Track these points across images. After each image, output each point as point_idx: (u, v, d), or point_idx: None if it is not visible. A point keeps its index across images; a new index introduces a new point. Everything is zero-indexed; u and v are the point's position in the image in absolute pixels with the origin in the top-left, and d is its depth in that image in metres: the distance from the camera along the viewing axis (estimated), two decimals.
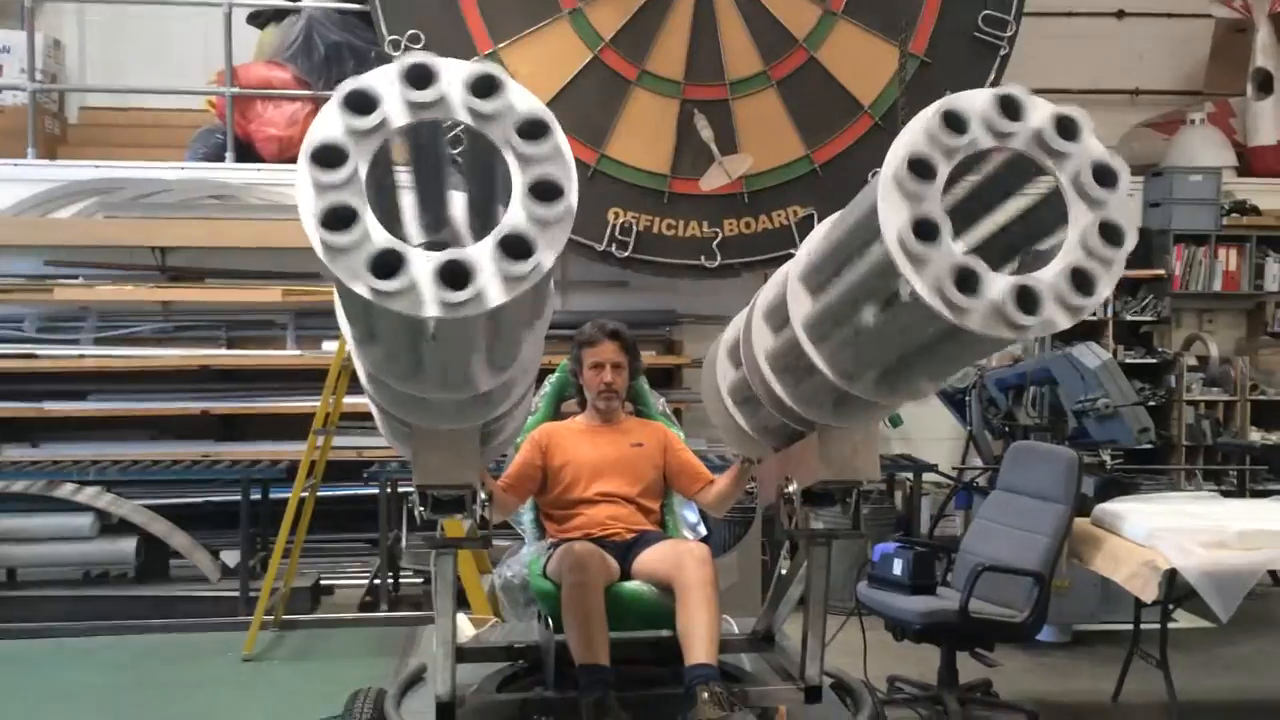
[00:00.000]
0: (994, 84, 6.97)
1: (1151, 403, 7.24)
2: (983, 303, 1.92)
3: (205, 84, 7.24)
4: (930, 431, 7.33)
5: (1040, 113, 2.01)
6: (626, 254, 6.80)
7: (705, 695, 2.76)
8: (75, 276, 6.71)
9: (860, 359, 2.33)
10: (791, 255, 7.31)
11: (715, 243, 6.90)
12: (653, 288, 7.03)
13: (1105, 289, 2.01)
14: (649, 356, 7.01)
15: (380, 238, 1.85)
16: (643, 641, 3.14)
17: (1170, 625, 4.56)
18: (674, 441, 3.60)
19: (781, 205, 6.96)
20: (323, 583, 6.10)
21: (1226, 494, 6.99)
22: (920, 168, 1.95)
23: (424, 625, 4.75)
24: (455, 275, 1.84)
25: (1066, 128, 2.01)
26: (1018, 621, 4.27)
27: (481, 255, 1.84)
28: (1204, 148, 7.70)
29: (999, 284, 1.96)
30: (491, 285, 1.85)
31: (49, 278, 6.70)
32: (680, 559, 3.06)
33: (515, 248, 1.85)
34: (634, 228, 6.82)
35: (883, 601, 4.40)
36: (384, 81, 1.87)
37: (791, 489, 2.90)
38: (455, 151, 2.27)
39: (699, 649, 2.88)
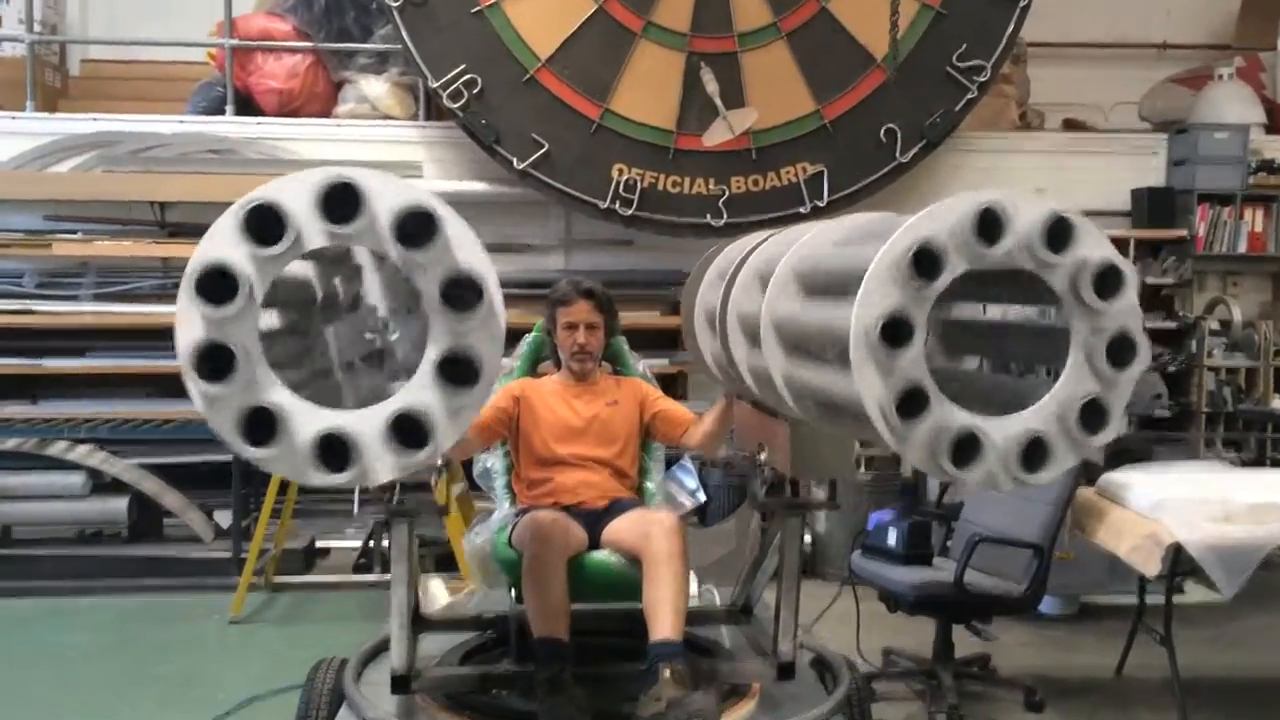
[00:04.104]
0: (1012, 37, 6.75)
1: (1171, 368, 7.04)
2: (984, 468, 1.74)
3: (206, 36, 7.11)
4: None
5: (1026, 220, 1.76)
6: (630, 212, 6.64)
7: (667, 673, 2.65)
8: (74, 231, 6.63)
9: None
10: (800, 214, 7.12)
11: (722, 200, 6.72)
12: (659, 246, 6.86)
13: (1118, 419, 1.80)
14: (653, 317, 6.88)
15: (254, 393, 1.66)
16: (611, 613, 3.03)
17: (1179, 599, 4.41)
18: (650, 393, 3.47)
19: (791, 161, 6.77)
20: (318, 544, 6.04)
21: (1246, 463, 6.82)
22: (896, 332, 1.70)
23: None
24: (335, 453, 1.67)
25: (1057, 235, 1.77)
26: (1015, 595, 4.13)
27: (367, 432, 1.68)
28: (1232, 104, 7.41)
29: (1001, 441, 1.74)
30: (378, 465, 1.69)
31: (48, 233, 6.62)
32: (648, 529, 2.94)
33: (410, 431, 1.68)
34: (638, 184, 6.66)
35: (876, 572, 4.28)
36: (297, 199, 1.65)
37: (763, 457, 2.78)
38: None
39: (664, 624, 2.76)
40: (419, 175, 6.76)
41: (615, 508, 3.21)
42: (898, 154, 6.78)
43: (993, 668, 4.51)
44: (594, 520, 3.18)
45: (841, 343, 1.72)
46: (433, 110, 6.84)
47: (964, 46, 6.70)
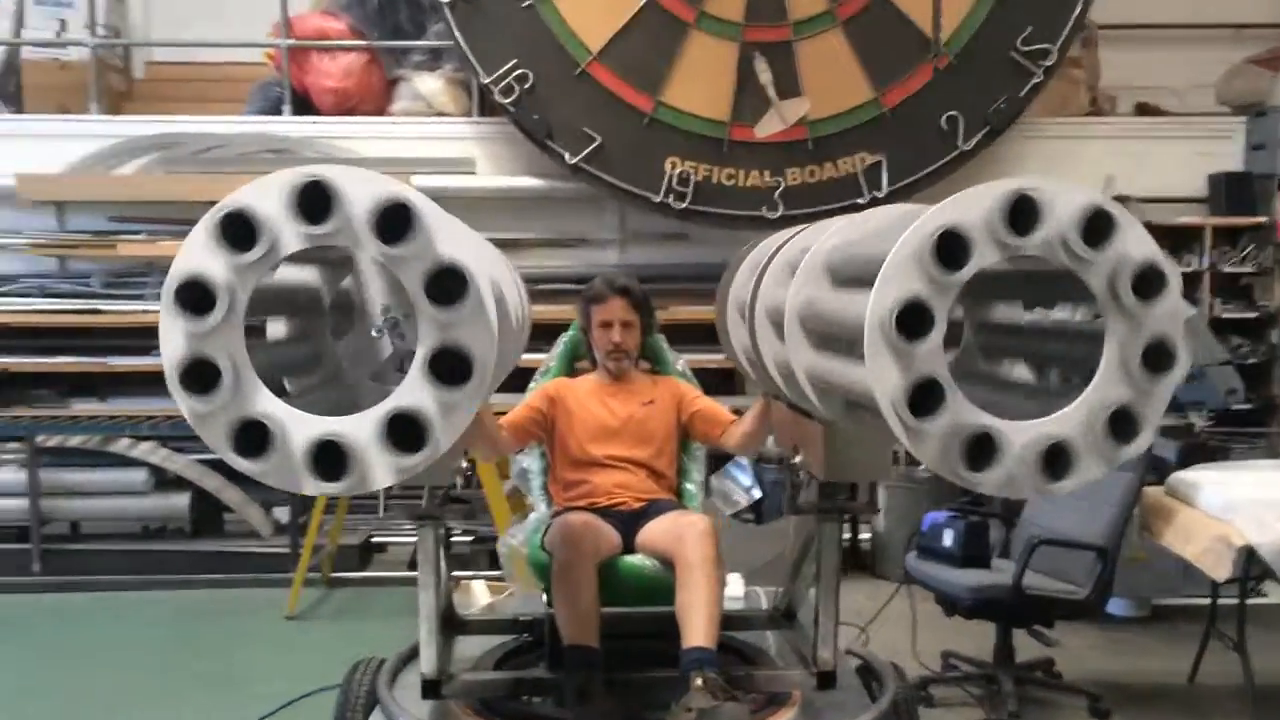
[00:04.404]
0: (1079, 19, 6.52)
1: (1250, 360, 6.77)
2: (1001, 472, 1.63)
3: (264, 36, 7.16)
4: None
5: (1063, 210, 1.65)
6: (684, 205, 6.56)
7: (699, 682, 2.57)
8: (138, 232, 6.74)
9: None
10: (858, 205, 6.98)
11: (778, 192, 6.60)
12: (713, 240, 6.75)
13: (1150, 430, 1.68)
14: (709, 312, 6.76)
15: (243, 405, 1.63)
16: (646, 617, 2.96)
17: (1256, 601, 4.22)
18: (688, 392, 3.39)
19: (848, 152, 6.62)
20: (374, 540, 6.06)
21: None
22: (914, 319, 1.60)
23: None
24: (331, 461, 1.63)
25: (1096, 228, 1.65)
26: (1078, 599, 3.98)
27: (363, 436, 1.63)
28: None
29: (1020, 445, 1.63)
30: (376, 470, 1.64)
31: (113, 234, 6.74)
32: (681, 533, 2.86)
33: (405, 432, 1.63)
34: (692, 178, 6.57)
35: (931, 574, 4.15)
36: (269, 202, 1.59)
37: (799, 460, 2.68)
38: None
39: (696, 631, 2.68)
40: (472, 172, 6.76)
41: (652, 509, 3.14)
42: (960, 142, 6.60)
43: (1057, 672, 4.35)
44: (630, 522, 3.11)
45: (858, 331, 1.64)
46: (486, 106, 6.82)
47: (1029, 30, 6.50)
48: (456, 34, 6.43)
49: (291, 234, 1.57)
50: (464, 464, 2.71)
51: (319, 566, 5.42)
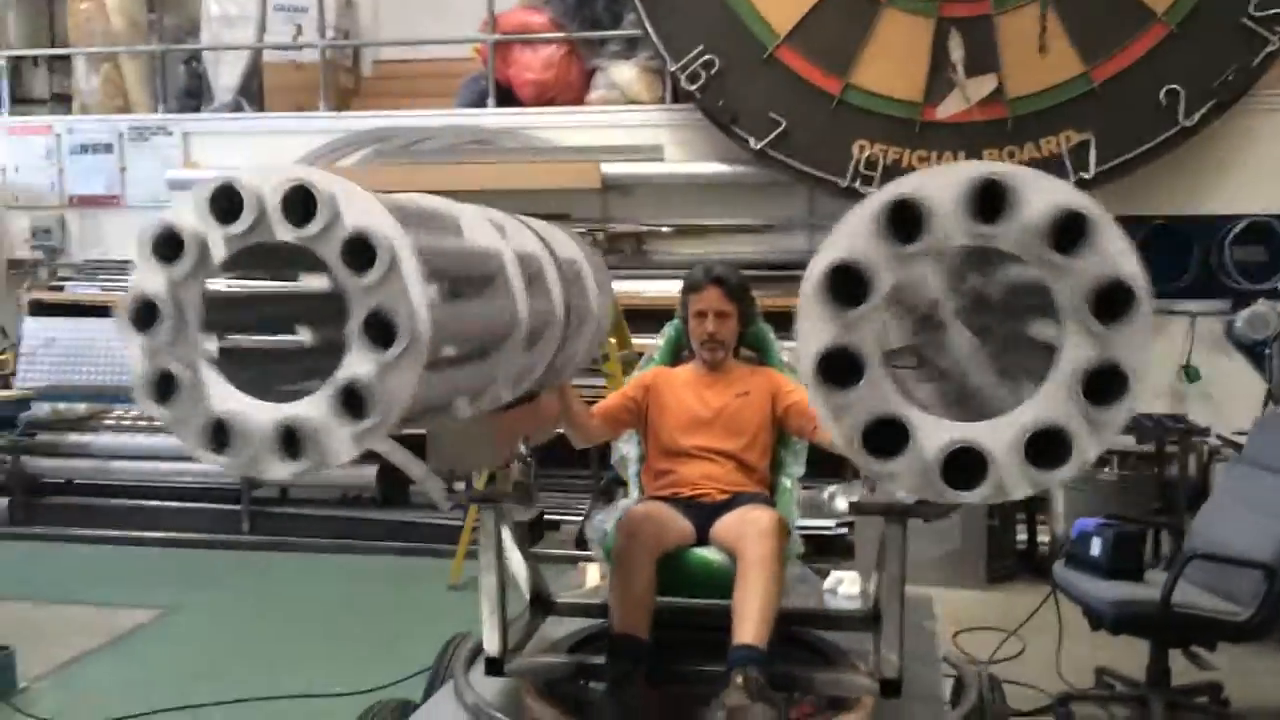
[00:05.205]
0: None
1: None
2: (902, 464, 1.57)
3: (475, 32, 7.49)
4: (1236, 387, 6.34)
5: (1036, 205, 1.56)
6: (872, 189, 6.35)
7: (739, 679, 2.52)
8: None
9: None
10: None
11: None
12: None
13: (1086, 455, 1.56)
14: None
15: (207, 405, 1.73)
16: (710, 610, 2.91)
17: None
18: (784, 384, 3.29)
19: (1053, 130, 6.23)
20: (547, 517, 6.25)
21: None
22: (850, 284, 1.56)
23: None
24: (293, 442, 1.73)
25: (1069, 230, 1.55)
26: (1239, 620, 3.60)
27: (319, 413, 1.71)
28: None
29: (932, 442, 1.56)
30: (337, 444, 1.73)
31: None
32: (744, 529, 2.81)
33: (354, 401, 1.70)
34: (881, 161, 6.37)
35: (1075, 584, 3.87)
36: (190, 215, 1.68)
37: None
38: None
39: (746, 629, 2.63)
40: (660, 159, 6.82)
41: (735, 502, 3.09)
42: (1180, 117, 6.07)
43: (1224, 699, 3.96)
44: (712, 514, 3.07)
45: None
46: (677, 93, 6.86)
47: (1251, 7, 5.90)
48: (646, 23, 6.51)
49: (217, 239, 1.67)
50: (522, 449, 2.77)
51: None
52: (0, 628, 4.50)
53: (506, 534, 2.94)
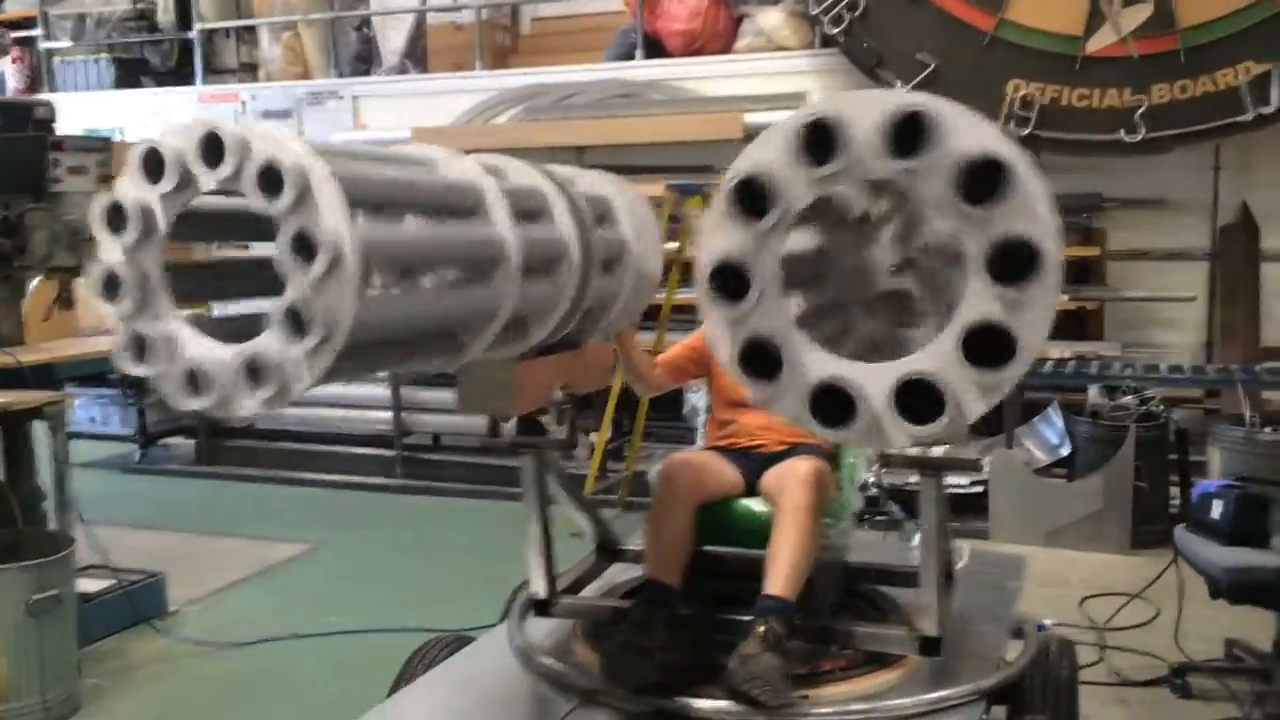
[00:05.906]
0: None
1: None
2: (861, 422, 1.55)
3: None
4: None
5: (862, 125, 1.52)
6: (1027, 131, 6.02)
7: (760, 629, 2.48)
8: None
9: None
10: (1238, 124, 6.08)
11: (1140, 112, 5.86)
12: (1063, 168, 6.11)
13: (965, 414, 1.52)
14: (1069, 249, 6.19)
15: (184, 359, 1.82)
16: (752, 560, 2.87)
17: None
18: None
19: (1231, 61, 5.74)
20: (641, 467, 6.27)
21: None
22: (728, 281, 1.56)
23: None
24: (256, 374, 1.80)
25: (907, 134, 1.51)
26: None
27: (275, 342, 1.76)
28: None
29: (877, 390, 1.53)
30: (291, 367, 1.77)
31: None
32: (783, 480, 2.73)
33: (298, 322, 1.75)
34: (1037, 101, 6.01)
35: (1192, 549, 3.59)
36: (129, 184, 1.78)
37: None
38: None
39: (775, 579, 2.57)
40: (799, 105, 6.65)
41: (792, 453, 3.02)
42: None
43: None
44: (764, 464, 3.00)
45: None
46: (824, 38, 6.67)
47: None
48: None
49: (155, 201, 1.77)
50: (559, 395, 2.79)
51: (617, 489, 5.73)
52: (160, 557, 4.90)
53: (552, 480, 2.97)
